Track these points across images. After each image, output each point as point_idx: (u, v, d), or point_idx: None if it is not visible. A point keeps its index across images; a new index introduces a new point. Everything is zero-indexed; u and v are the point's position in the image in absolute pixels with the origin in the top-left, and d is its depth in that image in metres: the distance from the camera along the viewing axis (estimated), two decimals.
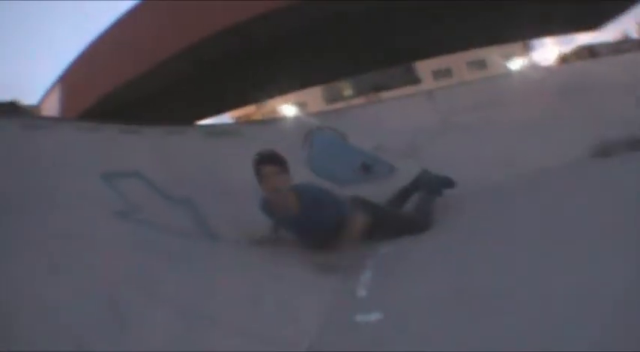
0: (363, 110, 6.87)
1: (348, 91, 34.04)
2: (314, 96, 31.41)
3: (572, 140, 4.66)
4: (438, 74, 32.05)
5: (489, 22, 11.96)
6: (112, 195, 3.00)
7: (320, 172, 4.90)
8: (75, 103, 13.78)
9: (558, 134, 4.92)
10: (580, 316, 1.52)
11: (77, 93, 13.85)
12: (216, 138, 4.80)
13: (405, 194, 4.07)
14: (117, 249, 2.45)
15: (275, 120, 6.58)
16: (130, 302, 2.00)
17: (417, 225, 3.44)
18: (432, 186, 3.96)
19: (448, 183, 4.02)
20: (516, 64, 28.40)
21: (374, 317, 2.06)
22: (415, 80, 32.16)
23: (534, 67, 24.29)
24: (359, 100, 28.53)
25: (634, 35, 32.36)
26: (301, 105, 29.73)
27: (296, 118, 6.35)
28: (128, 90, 12.10)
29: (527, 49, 31.13)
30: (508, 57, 28.02)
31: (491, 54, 28.56)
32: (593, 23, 13.95)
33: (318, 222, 3.07)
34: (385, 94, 27.95)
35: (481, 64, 31.47)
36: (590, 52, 26.01)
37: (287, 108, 28.07)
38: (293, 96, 23.02)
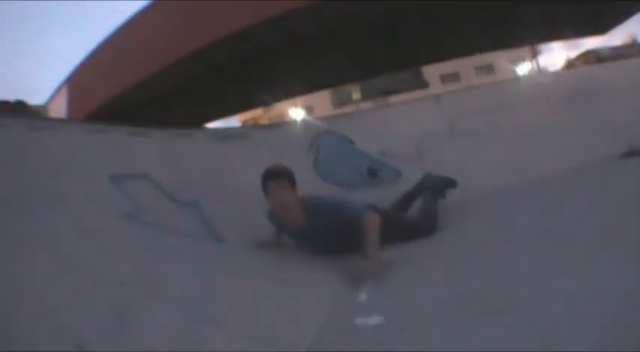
0: (370, 114, 6.90)
1: (356, 95, 34.07)
2: (322, 99, 31.46)
3: (579, 145, 4.65)
4: (445, 78, 32.05)
5: (497, 26, 11.93)
6: (119, 196, 3.00)
7: (326, 176, 4.91)
8: (82, 104, 13.85)
9: (565, 139, 4.92)
10: (581, 322, 1.51)
11: (85, 94, 13.93)
12: (224, 142, 4.82)
13: (409, 198, 4.07)
14: (122, 250, 2.46)
15: (282, 124, 6.58)
16: (134, 303, 2.01)
17: (422, 229, 3.44)
18: (435, 187, 3.97)
19: (450, 183, 4.04)
20: (524, 68, 28.28)
21: (374, 320, 2.07)
22: (423, 84, 32.15)
23: (541, 72, 24.22)
24: (367, 104, 28.54)
25: None
26: (309, 108, 29.76)
27: (303, 122, 6.35)
28: (136, 92, 12.16)
29: (534, 54, 31.02)
30: (516, 61, 27.90)
31: (498, 58, 28.48)
32: (600, 27, 13.88)
33: (326, 232, 3.08)
34: (393, 98, 27.94)
35: (489, 69, 31.44)
36: (597, 56, 25.85)
37: (295, 112, 28.07)
38: (301, 99, 23.01)
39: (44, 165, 2.80)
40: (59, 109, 15.42)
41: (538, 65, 31.23)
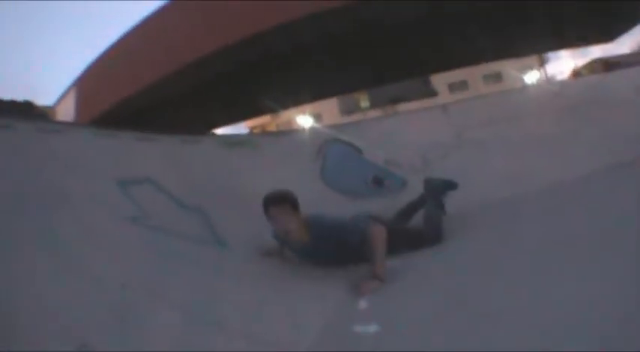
0: (377, 123, 6.91)
1: (364, 103, 34.10)
2: (330, 107, 31.51)
3: (585, 155, 4.64)
4: (454, 87, 32.05)
5: (505, 35, 11.92)
6: (125, 200, 3.03)
7: (332, 184, 4.92)
8: (90, 107, 13.93)
9: (571, 149, 4.91)
10: (581, 331, 1.51)
11: (92, 97, 14.01)
12: (231, 148, 4.84)
13: (412, 208, 4.06)
14: (126, 253, 2.49)
15: (289, 132, 6.60)
16: (136, 305, 2.03)
17: (426, 239, 3.44)
18: (437, 190, 3.96)
19: (451, 185, 4.02)
20: (532, 77, 28.25)
21: (373, 326, 2.08)
22: (432, 92, 32.15)
23: (549, 81, 24.17)
24: (375, 112, 28.56)
25: None
26: (317, 116, 29.80)
27: (310, 130, 6.37)
28: (144, 96, 12.21)
29: (542, 62, 30.99)
30: (523, 70, 27.87)
31: (506, 67, 28.45)
32: (607, 35, 13.83)
33: (330, 250, 3.09)
34: (401, 107, 27.96)
35: (497, 77, 31.41)
36: (604, 64, 25.75)
37: (302, 119, 28.12)
38: (309, 107, 23.04)
39: (51, 167, 2.82)
40: (67, 111, 15.46)
41: (546, 73, 31.22)
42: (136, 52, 12.76)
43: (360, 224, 3.12)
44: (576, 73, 27.31)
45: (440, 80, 31.50)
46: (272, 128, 32.33)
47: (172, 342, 1.87)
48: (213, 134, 11.83)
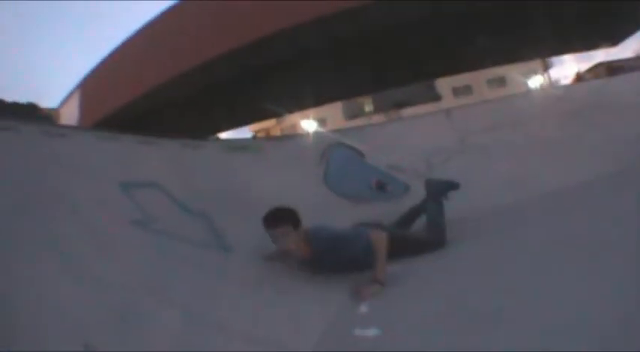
0: (381, 128, 6.91)
1: (368, 107, 34.08)
2: (334, 111, 31.52)
3: (589, 159, 4.64)
4: (458, 91, 32.01)
5: (509, 39, 11.91)
6: (129, 204, 3.05)
7: (336, 189, 4.93)
8: (94, 110, 13.97)
9: (575, 153, 4.91)
10: (581, 336, 1.53)
11: (96, 100, 14.05)
12: (235, 153, 4.85)
13: (414, 213, 4.06)
14: (130, 256, 2.51)
15: (293, 137, 6.63)
16: (140, 306, 2.06)
17: (429, 244, 3.45)
18: (438, 191, 3.94)
19: (452, 185, 3.99)
20: (536, 81, 28.22)
21: (373, 330, 2.10)
22: (436, 97, 32.13)
23: (552, 86, 24.12)
24: (379, 117, 28.54)
25: None
26: (321, 120, 29.81)
27: (314, 135, 6.38)
28: (147, 100, 12.23)
29: (546, 67, 30.94)
30: (527, 74, 27.85)
31: (510, 71, 28.46)
32: (611, 39, 13.82)
33: (332, 261, 3.10)
34: (406, 111, 27.95)
35: (501, 81, 31.37)
36: (608, 68, 25.66)
37: (307, 124, 28.15)
38: (313, 111, 23.05)
39: (55, 170, 2.84)
40: (71, 114, 15.50)
41: (550, 78, 31.16)
42: (140, 54, 12.80)
43: (361, 231, 3.14)
44: (579, 77, 27.20)
45: (444, 84, 31.54)
46: (276, 132, 32.40)
47: (175, 344, 1.89)
48: (217, 138, 11.85)
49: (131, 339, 1.84)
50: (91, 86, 15.01)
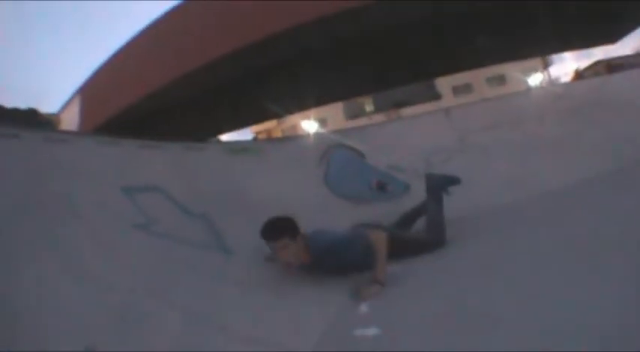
0: (381, 128, 6.91)
1: (369, 107, 34.07)
2: (335, 112, 31.52)
3: (589, 157, 4.65)
4: (457, 90, 32.00)
5: (508, 38, 11.91)
6: (130, 207, 3.07)
7: (336, 190, 4.94)
8: (95, 114, 13.95)
9: (574, 152, 4.92)
10: (580, 336, 1.53)
11: (97, 104, 14.02)
12: (235, 155, 4.85)
13: (414, 214, 4.06)
14: (132, 259, 2.54)
15: (294, 138, 6.61)
16: (142, 308, 2.08)
17: (429, 245, 3.45)
18: (439, 185, 3.92)
19: (453, 180, 3.96)
20: (535, 79, 28.21)
21: (373, 331, 2.11)
22: (436, 96, 32.10)
23: (552, 83, 24.09)
24: (380, 116, 28.55)
25: None
26: (322, 121, 29.83)
27: (315, 136, 6.39)
28: (148, 102, 12.22)
29: (546, 65, 30.91)
30: (527, 72, 27.85)
31: (510, 69, 28.46)
32: (610, 37, 13.81)
33: (333, 265, 3.10)
34: (406, 110, 27.95)
35: (500, 80, 31.34)
36: (607, 66, 25.60)
37: (307, 124, 28.16)
38: (314, 111, 23.05)
39: (57, 176, 2.85)
40: (72, 119, 15.46)
41: (550, 76, 31.12)
42: (143, 56, 12.79)
43: (360, 233, 3.15)
44: (578, 75, 27.15)
45: (444, 83, 31.52)
46: (277, 133, 32.43)
47: (175, 344, 1.91)
48: (218, 141, 11.85)
49: (132, 340, 1.86)
50: (92, 89, 14.97)
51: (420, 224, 3.94)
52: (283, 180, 4.57)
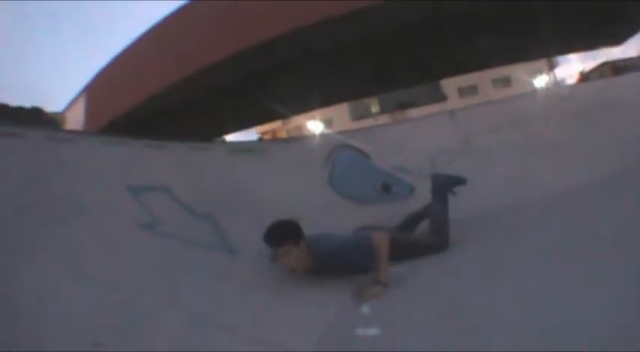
0: (387, 129, 6.92)
1: (374, 108, 34.04)
2: (340, 112, 31.51)
3: (593, 159, 4.64)
4: (463, 91, 31.94)
5: (514, 39, 11.87)
6: (136, 207, 3.08)
7: (341, 191, 4.95)
8: (100, 114, 13.97)
9: (578, 153, 4.91)
10: (580, 331, 1.54)
11: (102, 104, 14.02)
12: (240, 156, 4.86)
13: (417, 217, 4.05)
14: (138, 259, 2.55)
15: (299, 139, 6.62)
16: (147, 308, 2.11)
17: (432, 247, 3.45)
18: (445, 185, 3.91)
19: (459, 180, 3.94)
20: (541, 80, 28.12)
21: (375, 331, 2.13)
22: (441, 97, 32.06)
23: (558, 85, 23.99)
24: (385, 117, 28.51)
25: None
26: (327, 121, 29.82)
27: (320, 137, 6.41)
28: (153, 103, 12.21)
29: (551, 66, 30.81)
30: (533, 74, 27.77)
31: (516, 71, 28.40)
32: (616, 38, 13.74)
33: (336, 268, 3.10)
34: (412, 112, 27.89)
35: (506, 81, 31.29)
36: (612, 68, 25.43)
37: (313, 125, 28.15)
38: (319, 112, 23.04)
39: (61, 175, 2.86)
40: (77, 118, 15.47)
41: (555, 77, 31.01)
42: (146, 58, 12.79)
43: (361, 236, 3.16)
44: (583, 77, 26.99)
45: (450, 85, 31.46)
46: (282, 134, 32.42)
47: (177, 344, 1.93)
48: (223, 141, 11.86)
49: (135, 340, 1.87)
50: (96, 90, 14.98)
51: (424, 226, 3.92)
52: (288, 180, 4.59)
